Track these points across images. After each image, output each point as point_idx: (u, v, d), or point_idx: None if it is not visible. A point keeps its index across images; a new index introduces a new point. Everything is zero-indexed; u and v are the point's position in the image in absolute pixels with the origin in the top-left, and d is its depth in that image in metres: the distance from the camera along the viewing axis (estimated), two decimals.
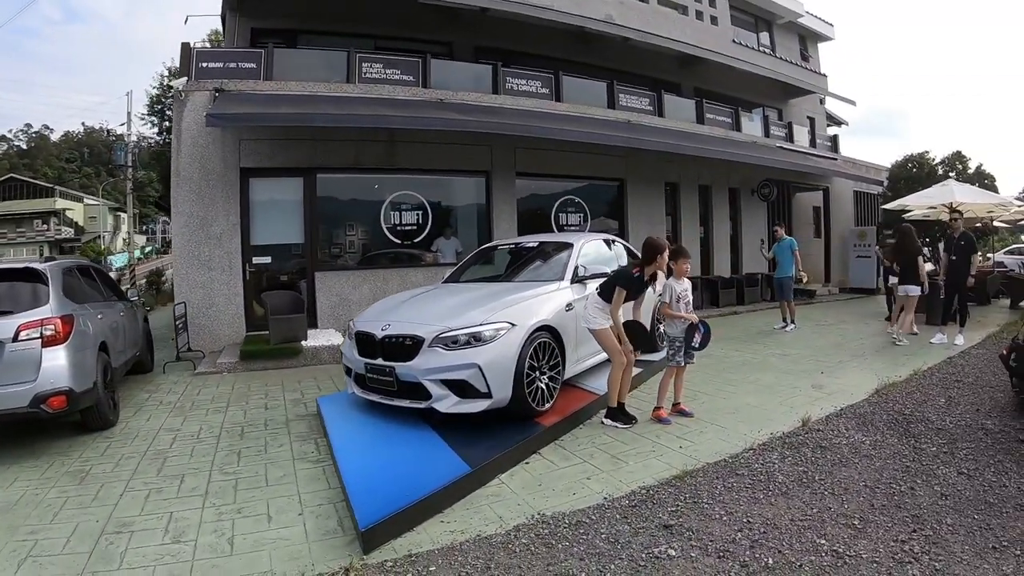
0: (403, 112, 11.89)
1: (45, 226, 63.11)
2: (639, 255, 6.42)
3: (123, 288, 12.27)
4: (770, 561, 3.56)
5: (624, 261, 8.60)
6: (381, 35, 15.49)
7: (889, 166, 29.92)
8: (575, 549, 3.78)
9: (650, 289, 6.43)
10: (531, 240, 8.86)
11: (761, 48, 22.32)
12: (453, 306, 6.41)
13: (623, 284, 5.93)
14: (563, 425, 6.00)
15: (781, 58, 22.63)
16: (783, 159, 18.02)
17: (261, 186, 12.15)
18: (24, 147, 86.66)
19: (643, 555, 3.64)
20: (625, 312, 6.26)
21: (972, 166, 37.67)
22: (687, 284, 6.40)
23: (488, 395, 5.67)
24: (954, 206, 13.89)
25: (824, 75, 24.48)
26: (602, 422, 6.17)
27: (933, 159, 36.96)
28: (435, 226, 13.08)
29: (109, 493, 4.98)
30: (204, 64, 12.36)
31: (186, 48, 12.43)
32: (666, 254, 6.04)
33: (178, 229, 11.68)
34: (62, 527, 4.36)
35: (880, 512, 4.18)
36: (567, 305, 6.64)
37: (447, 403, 5.70)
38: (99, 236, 61.46)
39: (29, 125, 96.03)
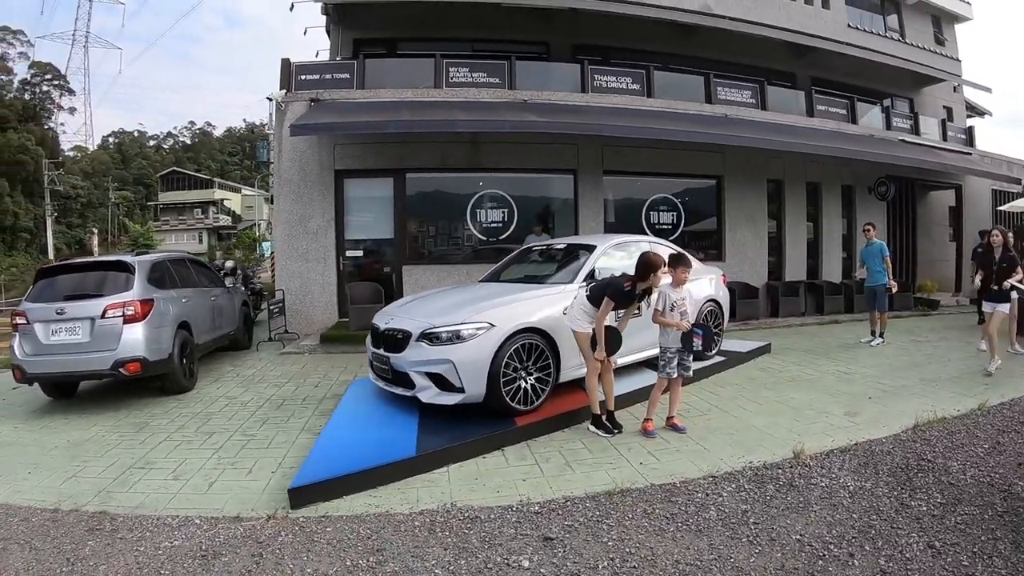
0: (484, 115, 12.40)
1: (204, 215, 68.95)
2: (688, 261, 6.44)
3: (260, 273, 13.94)
4: None
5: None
6: (478, 39, 16.01)
7: None
8: (449, 540, 4.05)
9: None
10: (561, 242, 9.13)
11: (888, 32, 20.68)
12: (450, 304, 6.80)
13: (611, 295, 5.94)
14: (544, 425, 6.20)
15: (910, 43, 20.82)
16: (901, 154, 16.72)
17: (354, 186, 13.22)
18: (188, 142, 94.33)
19: (498, 560, 3.81)
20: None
21: None
22: (685, 292, 6.23)
23: (461, 390, 6.06)
24: None
25: (958, 60, 22.42)
26: (588, 428, 6.26)
27: None
28: (521, 223, 13.39)
29: (152, 440, 6.42)
30: (302, 76, 13.56)
31: (286, 63, 13.55)
32: (660, 272, 5.95)
33: (279, 225, 13.12)
34: (106, 459, 5.89)
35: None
36: (567, 309, 6.62)
37: (428, 394, 6.19)
38: (255, 224, 66.23)
39: (193, 122, 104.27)
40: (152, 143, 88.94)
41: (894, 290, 11.51)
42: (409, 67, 14.87)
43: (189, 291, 9.26)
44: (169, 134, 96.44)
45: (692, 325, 6.09)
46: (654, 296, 6.11)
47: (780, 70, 18.58)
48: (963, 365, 9.17)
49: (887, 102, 20.09)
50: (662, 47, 16.87)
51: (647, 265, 5.89)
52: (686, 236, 14.91)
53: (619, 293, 5.91)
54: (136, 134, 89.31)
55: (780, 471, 5.11)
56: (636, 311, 6.32)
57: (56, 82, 67.83)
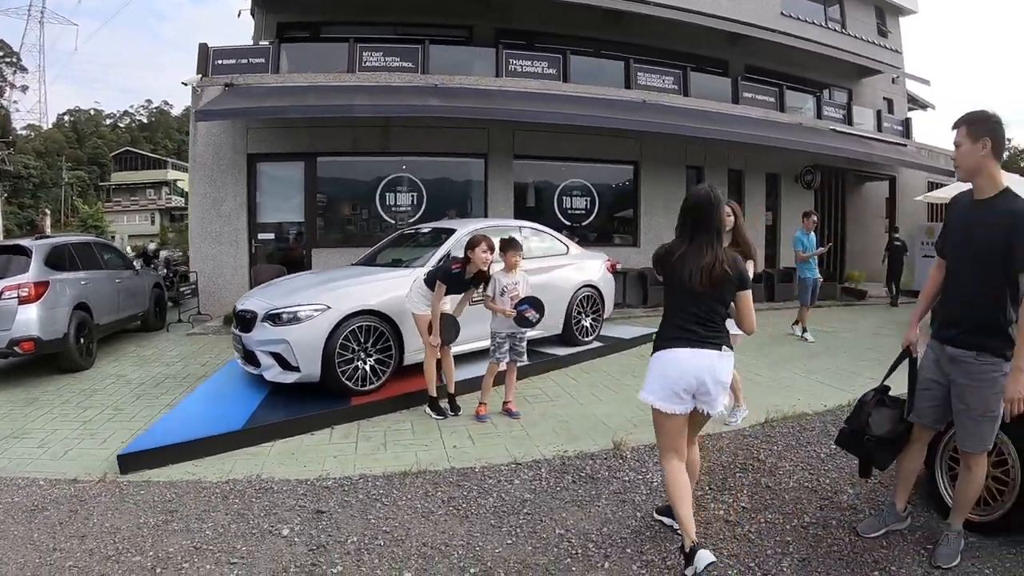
0: (388, 100, 12.71)
1: (157, 196, 68.65)
2: (519, 245, 6.53)
3: None
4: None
5: (555, 252, 9.21)
6: (402, 22, 16.32)
7: None
8: (235, 507, 4.37)
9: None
10: (429, 226, 9.46)
11: (830, 22, 20.99)
12: (299, 287, 7.16)
13: (441, 278, 6.19)
14: (380, 406, 6.51)
15: (850, 33, 21.14)
16: (829, 143, 17.09)
17: (266, 169, 13.59)
18: (145, 121, 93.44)
19: (265, 527, 4.08)
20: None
21: None
22: (518, 278, 6.34)
23: (297, 369, 6.42)
24: None
25: (898, 52, 22.84)
26: (424, 410, 6.50)
27: (1011, 147, 33.41)
28: (430, 207, 13.75)
29: (36, 413, 6.80)
30: (219, 61, 13.87)
31: (203, 47, 13.83)
32: (478, 250, 6.06)
33: (193, 208, 13.44)
34: None
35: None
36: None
37: (272, 372, 6.55)
38: None
39: (150, 101, 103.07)
40: (108, 122, 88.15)
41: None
42: (326, 52, 15.24)
43: (90, 274, 9.66)
44: (126, 113, 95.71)
45: (521, 300, 6.18)
46: (492, 286, 6.32)
47: (713, 57, 18.88)
48: (857, 357, 9.30)
49: (823, 92, 20.43)
50: (589, 32, 17.15)
51: (467, 245, 6.19)
52: (601, 222, 15.34)
53: (448, 276, 6.18)
54: (92, 112, 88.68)
55: (591, 462, 5.15)
56: (481, 296, 6.48)
57: (8, 59, 67.22)
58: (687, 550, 3.29)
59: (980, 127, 3.41)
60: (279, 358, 6.50)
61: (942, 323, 3.63)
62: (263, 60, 13.99)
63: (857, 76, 21.87)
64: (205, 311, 12.95)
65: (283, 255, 13.45)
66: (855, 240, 20.27)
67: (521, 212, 14.18)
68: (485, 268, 6.21)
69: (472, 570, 3.52)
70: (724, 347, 3.57)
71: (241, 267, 13.15)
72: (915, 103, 26.41)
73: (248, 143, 13.23)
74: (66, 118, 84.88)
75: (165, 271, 16.15)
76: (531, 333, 7.62)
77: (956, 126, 3.52)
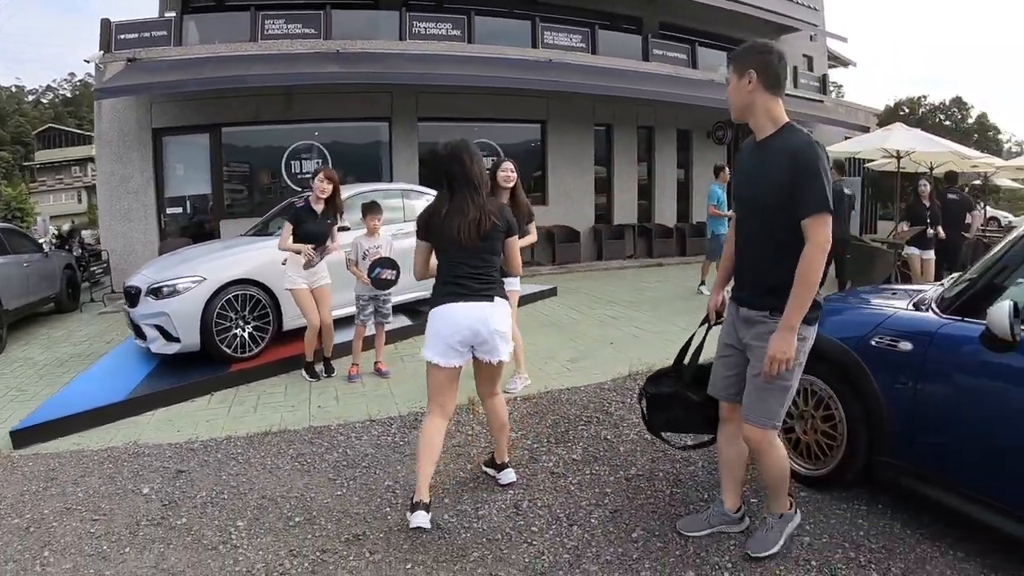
0: (284, 68, 12.91)
1: (83, 173, 67.13)
2: (379, 209, 6.79)
3: None
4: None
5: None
6: None
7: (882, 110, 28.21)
8: (108, 471, 4.67)
9: None
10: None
11: None
12: (181, 260, 7.46)
13: (290, 218, 6.45)
14: (259, 371, 6.85)
15: None
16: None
17: (173, 143, 13.72)
18: (69, 95, 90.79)
19: (129, 487, 4.38)
20: None
21: (974, 115, 35.73)
22: (380, 242, 6.56)
23: (178, 340, 6.75)
24: (899, 153, 13.85)
25: (816, 10, 23.22)
26: (301, 374, 6.81)
27: (927, 103, 34.69)
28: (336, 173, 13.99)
29: None
30: (122, 36, 13.80)
31: (105, 23, 13.76)
32: (317, 180, 6.51)
33: (101, 186, 13.50)
34: None
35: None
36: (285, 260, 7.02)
37: (156, 344, 6.86)
38: None
39: (73, 74, 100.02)
40: (31, 98, 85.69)
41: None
42: (230, 22, 15.12)
43: None
44: (48, 88, 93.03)
45: (373, 263, 6.33)
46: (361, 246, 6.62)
47: (627, 15, 19.10)
48: None
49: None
50: None
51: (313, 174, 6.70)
52: None
53: (295, 214, 6.48)
54: (13, 89, 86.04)
55: (461, 415, 5.43)
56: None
57: None
58: (411, 503, 3.48)
59: (744, 60, 3.05)
60: (162, 330, 6.81)
61: (736, 283, 3.28)
62: (166, 33, 13.98)
63: (776, 33, 21.86)
64: (118, 290, 13.08)
65: (194, 229, 13.63)
66: None
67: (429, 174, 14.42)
68: (323, 196, 6.52)
69: (297, 518, 3.85)
70: (497, 297, 3.71)
71: (152, 243, 13.24)
72: (836, 60, 27.21)
73: (153, 118, 13.31)
74: None
75: (80, 251, 16.22)
76: (419, 293, 8.06)
77: (727, 64, 3.32)
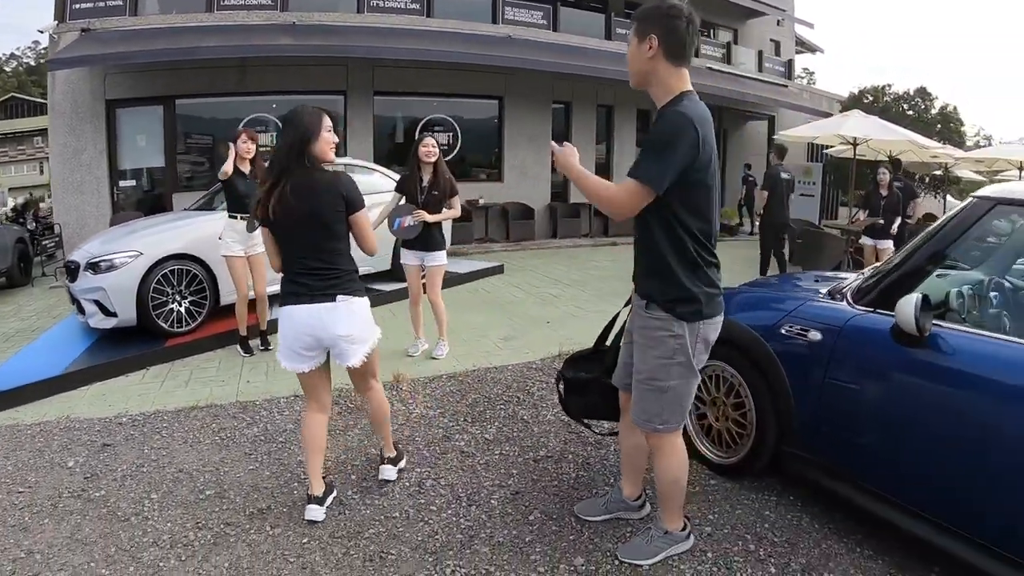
0: (239, 40, 12.89)
1: (45, 143, 66.04)
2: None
3: None
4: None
5: (383, 189, 9.25)
6: None
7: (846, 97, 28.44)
8: (38, 445, 4.73)
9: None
10: None
11: None
12: (121, 234, 7.53)
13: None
14: (195, 346, 6.97)
15: None
16: (701, 82, 17.53)
17: (126, 115, 13.59)
18: (33, 64, 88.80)
19: (56, 460, 4.50)
20: None
21: (937, 105, 36.35)
22: None
23: (115, 314, 6.85)
24: (855, 140, 14.04)
25: None
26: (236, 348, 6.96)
27: (891, 92, 35.09)
28: None
29: None
30: (76, 5, 13.58)
31: None
32: (238, 141, 6.63)
33: (54, 158, 13.37)
34: None
35: None
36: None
37: (95, 319, 6.94)
38: None
39: (37, 42, 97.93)
40: None
41: None
42: None
43: None
44: (12, 56, 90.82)
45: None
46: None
47: None
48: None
49: (709, 32, 21.14)
50: None
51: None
52: (464, 157, 15.81)
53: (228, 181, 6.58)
54: None
55: (387, 393, 5.49)
56: None
57: None
58: (307, 496, 3.60)
59: (646, 22, 2.76)
60: (99, 305, 6.90)
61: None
62: (121, 2, 13.80)
63: (743, 17, 22.42)
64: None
65: (149, 202, 13.60)
66: (734, 177, 21.17)
67: (384, 149, 14.63)
68: (248, 156, 6.69)
69: (208, 492, 3.99)
70: (341, 295, 3.39)
71: (104, 216, 13.14)
72: (803, 46, 27.55)
73: (106, 89, 13.18)
74: None
75: (35, 225, 16.15)
76: (362, 268, 8.10)
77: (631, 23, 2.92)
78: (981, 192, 3.22)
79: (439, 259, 6.40)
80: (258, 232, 6.37)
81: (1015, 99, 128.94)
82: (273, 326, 7.06)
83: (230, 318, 7.29)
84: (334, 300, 3.35)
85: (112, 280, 6.85)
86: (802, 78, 48.44)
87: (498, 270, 11.31)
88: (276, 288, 7.13)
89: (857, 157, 15.13)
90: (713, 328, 2.91)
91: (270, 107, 14.21)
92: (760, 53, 21.75)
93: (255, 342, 6.97)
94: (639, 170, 2.65)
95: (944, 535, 2.88)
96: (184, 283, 7.22)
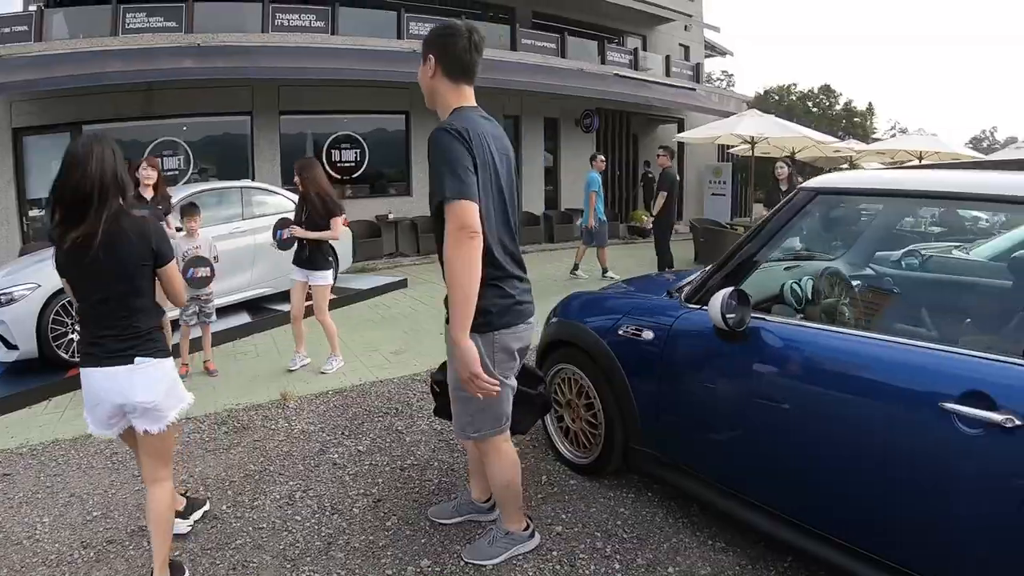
0: (152, 63, 13.07)
1: None
2: (195, 210, 7.09)
3: None
4: None
5: (284, 209, 9.34)
6: None
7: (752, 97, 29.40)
8: (32, 479, 4.94)
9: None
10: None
11: None
12: (24, 266, 7.76)
13: None
14: None
15: None
16: (608, 88, 18.39)
17: (34, 143, 13.66)
18: None
19: None
20: None
21: (842, 101, 37.98)
22: (199, 241, 6.90)
23: (16, 347, 7.07)
24: (753, 139, 14.77)
25: (690, 0, 24.03)
26: None
27: (796, 91, 36.25)
28: (197, 170, 14.31)
29: None
30: None
31: None
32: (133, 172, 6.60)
33: None
34: None
35: None
36: None
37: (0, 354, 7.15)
38: None
39: None
40: None
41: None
42: (91, 15, 15.09)
43: None
44: None
45: (187, 263, 6.72)
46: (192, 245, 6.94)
47: (499, 4, 19.69)
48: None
49: (621, 38, 21.94)
50: None
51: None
52: (372, 173, 16.28)
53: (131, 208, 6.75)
54: None
55: (253, 413, 5.81)
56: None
57: None
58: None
59: (426, 45, 2.94)
60: (1, 339, 7.10)
61: None
62: (27, 28, 13.87)
63: (651, 24, 23.15)
64: None
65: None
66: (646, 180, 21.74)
67: (292, 169, 14.67)
68: (149, 183, 6.93)
69: (95, 513, 4.32)
70: (140, 356, 3.03)
71: (14, 247, 13.08)
72: (713, 50, 28.68)
73: (13, 117, 13.24)
74: None
75: None
76: (261, 290, 8.53)
77: None
78: (806, 183, 3.32)
79: (320, 278, 6.91)
80: None
81: (931, 92, 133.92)
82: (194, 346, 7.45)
83: None
84: (132, 362, 3.01)
85: (12, 313, 7.04)
86: (721, 80, 50.10)
87: (401, 284, 11.56)
88: (175, 314, 7.49)
89: (761, 155, 15.94)
90: (514, 337, 2.97)
91: (180, 130, 14.42)
92: (667, 58, 22.50)
93: None
94: (446, 191, 2.64)
95: (785, 526, 2.99)
96: None
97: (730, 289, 2.98)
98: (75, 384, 6.99)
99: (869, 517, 2.66)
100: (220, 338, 7.84)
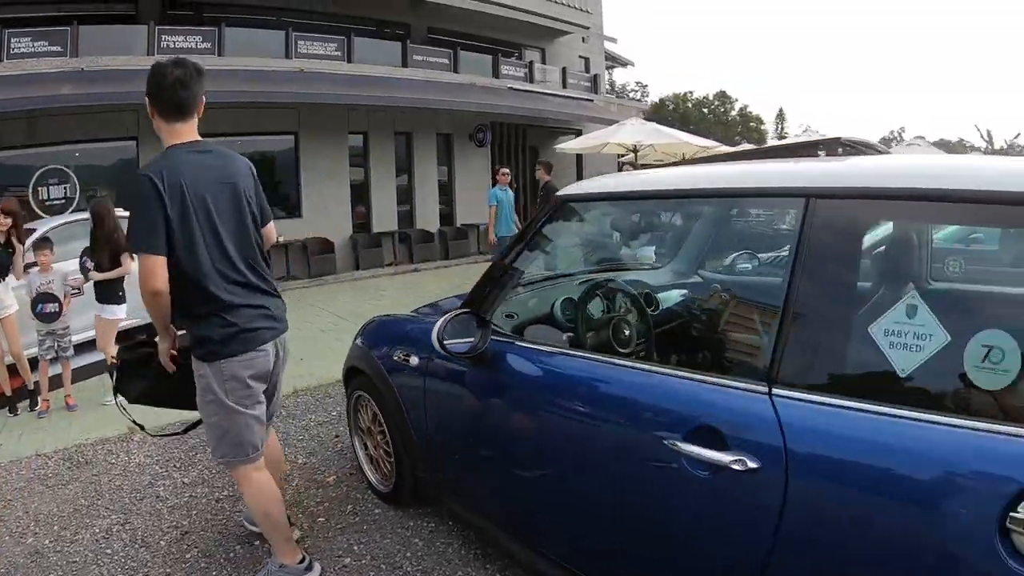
0: (37, 89, 13.38)
1: None
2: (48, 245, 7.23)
3: None
4: None
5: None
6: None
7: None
8: None
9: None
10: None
11: None
12: None
13: None
14: None
15: None
16: (499, 102, 18.93)
17: None
18: None
19: None
20: None
21: (737, 107, 39.60)
22: (52, 276, 6.95)
23: None
24: (636, 147, 15.38)
25: (587, 12, 24.22)
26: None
27: (692, 98, 37.43)
28: (85, 197, 14.29)
29: None
30: None
31: None
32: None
33: None
34: None
35: None
36: None
37: None
38: None
39: None
40: None
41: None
42: None
43: None
44: None
45: (35, 298, 6.83)
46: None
47: (395, 21, 20.14)
48: None
49: (520, 51, 22.50)
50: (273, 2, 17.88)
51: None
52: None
53: None
54: None
55: (99, 447, 5.91)
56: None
57: None
58: None
59: (145, 88, 3.07)
60: None
61: None
62: None
63: (550, 36, 23.62)
64: None
65: None
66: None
67: None
68: (3, 229, 6.85)
69: None
70: None
71: None
72: (615, 61, 29.53)
73: None
74: None
75: None
76: (134, 321, 8.24)
77: None
78: (560, 191, 3.23)
79: (117, 312, 7.19)
80: (9, 297, 7.10)
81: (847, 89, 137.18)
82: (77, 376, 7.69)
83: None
84: None
85: None
86: (636, 91, 51.01)
87: None
88: (33, 351, 7.74)
89: (655, 163, 16.30)
90: (243, 365, 3.05)
91: (67, 157, 14.68)
92: (564, 70, 23.04)
93: (21, 404, 7.25)
94: (133, 242, 2.93)
95: (542, 560, 2.88)
96: None
97: (454, 313, 2.93)
98: None
99: (611, 561, 2.56)
100: (90, 371, 8.09)
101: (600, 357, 2.69)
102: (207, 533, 4.16)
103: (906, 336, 1.84)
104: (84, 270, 7.26)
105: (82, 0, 16.23)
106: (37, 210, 13.82)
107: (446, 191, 20.14)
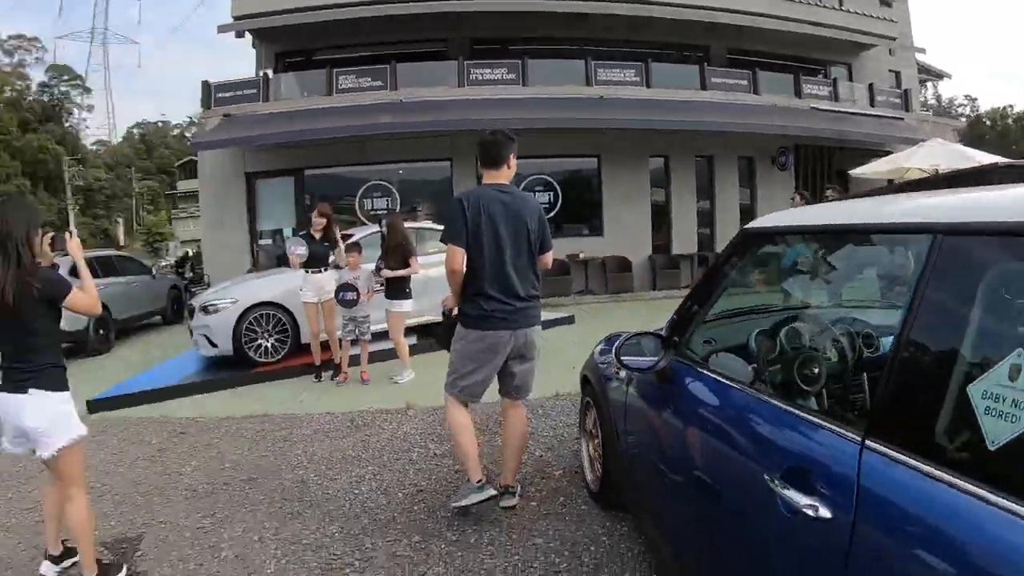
0: (353, 120, 15.43)
1: None
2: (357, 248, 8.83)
3: None
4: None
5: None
6: (379, 41, 18.49)
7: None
8: (165, 433, 6.84)
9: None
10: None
11: None
12: (229, 285, 9.95)
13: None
14: (279, 373, 9.01)
15: (846, 8, 21.48)
16: (799, 123, 18.19)
17: (262, 185, 16.67)
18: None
19: (153, 441, 6.60)
20: None
21: None
22: (358, 273, 8.37)
23: (216, 346, 9.09)
24: (938, 171, 14.13)
25: (893, 21, 22.32)
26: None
27: (1014, 114, 32.43)
28: (403, 206, 16.03)
29: None
30: (220, 94, 16.96)
31: (205, 84, 17.07)
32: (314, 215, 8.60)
33: (204, 224, 16.95)
34: None
35: None
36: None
37: (205, 350, 9.24)
38: None
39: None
40: (176, 131, 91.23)
41: None
42: (310, 78, 18.03)
43: (109, 280, 12.87)
44: (192, 122, 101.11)
45: (338, 287, 8.15)
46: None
47: (693, 44, 20.25)
48: None
49: (826, 68, 21.80)
50: (556, 32, 19.00)
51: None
52: (565, 213, 17.40)
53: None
54: (159, 124, 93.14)
55: (378, 416, 6.92)
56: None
57: (73, 82, 73.81)
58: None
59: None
60: (207, 338, 9.16)
61: None
62: (255, 90, 16.97)
63: (855, 51, 22.22)
64: None
65: (283, 257, 16.22)
66: None
67: None
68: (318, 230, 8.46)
69: (225, 465, 5.77)
70: (34, 388, 3.40)
71: (243, 270, 15.18)
72: (928, 73, 26.86)
73: (246, 164, 16.25)
74: (135, 131, 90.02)
75: (191, 275, 19.95)
76: (429, 317, 9.29)
77: None
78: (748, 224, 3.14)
79: (403, 306, 8.42)
80: (330, 281, 8.46)
81: None
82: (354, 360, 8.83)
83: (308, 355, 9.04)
84: (26, 392, 3.38)
85: (215, 320, 9.10)
86: (964, 104, 46.31)
87: (568, 320, 12.13)
88: (339, 333, 9.03)
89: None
90: (479, 337, 4.29)
91: (395, 174, 16.90)
92: (871, 86, 21.41)
93: (326, 373, 8.72)
94: (445, 237, 4.21)
95: None
96: (271, 324, 9.29)
97: (640, 332, 3.18)
98: (260, 378, 8.95)
99: None
100: (384, 356, 9.18)
101: (766, 397, 2.47)
102: (438, 495, 4.84)
103: (1003, 402, 1.49)
104: (378, 269, 8.37)
105: (399, 41, 18.45)
106: (362, 218, 15.91)
107: (748, 214, 18.98)
